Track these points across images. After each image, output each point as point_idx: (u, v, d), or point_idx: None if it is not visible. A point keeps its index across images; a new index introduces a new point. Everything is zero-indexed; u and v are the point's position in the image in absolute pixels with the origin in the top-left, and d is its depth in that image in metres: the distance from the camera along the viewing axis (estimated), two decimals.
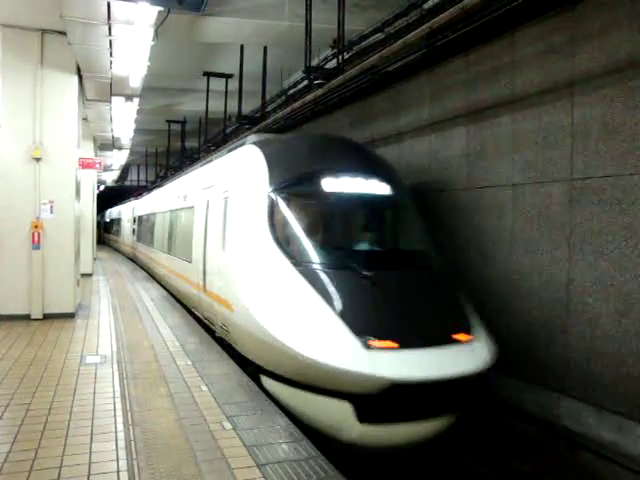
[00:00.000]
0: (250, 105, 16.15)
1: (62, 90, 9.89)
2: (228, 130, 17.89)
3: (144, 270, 19.37)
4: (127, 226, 26.52)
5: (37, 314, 9.59)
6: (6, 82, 9.60)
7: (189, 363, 6.86)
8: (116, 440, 4.46)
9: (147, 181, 35.81)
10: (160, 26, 7.92)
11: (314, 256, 6.09)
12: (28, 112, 9.65)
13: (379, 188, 6.93)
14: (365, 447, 5.31)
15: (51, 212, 9.78)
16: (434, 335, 5.45)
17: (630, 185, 5.54)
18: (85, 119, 14.40)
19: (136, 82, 10.93)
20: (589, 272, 5.99)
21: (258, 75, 13.74)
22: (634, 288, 5.49)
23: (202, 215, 9.28)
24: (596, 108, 5.94)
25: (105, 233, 43.77)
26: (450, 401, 5.46)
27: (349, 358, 5.02)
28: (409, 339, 5.23)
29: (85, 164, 12.49)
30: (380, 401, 5.04)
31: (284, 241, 6.24)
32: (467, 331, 5.64)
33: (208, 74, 15.83)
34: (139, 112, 14.80)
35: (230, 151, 9.24)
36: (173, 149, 26.33)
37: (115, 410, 5.15)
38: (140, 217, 21.52)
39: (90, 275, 17.29)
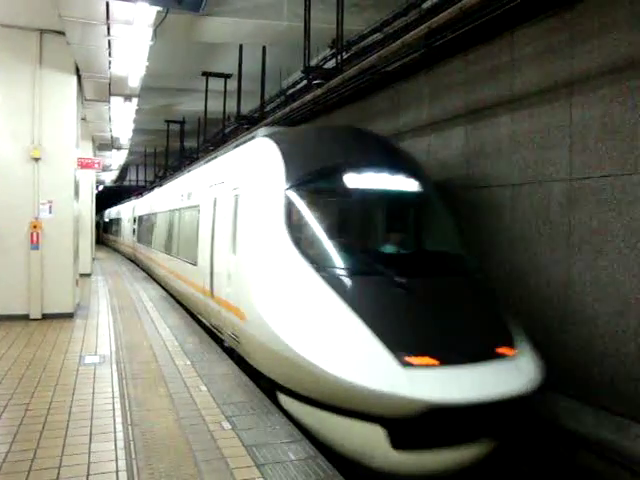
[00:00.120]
0: (249, 105, 16.15)
1: (61, 90, 9.88)
2: (227, 130, 17.89)
3: (145, 272, 19.01)
4: (127, 226, 26.10)
5: (36, 314, 9.59)
6: (4, 82, 9.60)
7: (188, 363, 6.86)
8: (115, 440, 4.45)
9: (146, 181, 35.78)
10: (159, 26, 7.91)
11: (338, 260, 5.48)
12: (27, 112, 9.65)
13: (406, 184, 6.32)
14: (397, 475, 4.67)
15: (50, 212, 9.77)
16: (476, 349, 4.83)
17: None
18: (84, 119, 14.40)
19: (135, 82, 10.92)
20: None
21: (257, 75, 13.74)
22: None
23: (208, 214, 8.70)
24: None
25: (104, 233, 43.64)
26: (492, 425, 4.82)
27: (383, 377, 4.42)
28: (450, 355, 4.64)
29: (84, 164, 12.48)
30: (416, 425, 4.45)
31: (304, 243, 5.63)
32: (510, 344, 5.03)
33: (207, 74, 15.83)
34: (138, 112, 14.78)
35: (238, 146, 8.66)
36: (172, 149, 26.32)
37: (114, 410, 5.15)
38: (141, 217, 20.96)
39: (89, 275, 17.28)
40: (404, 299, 5.08)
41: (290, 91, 14.02)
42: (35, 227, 9.62)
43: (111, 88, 11.46)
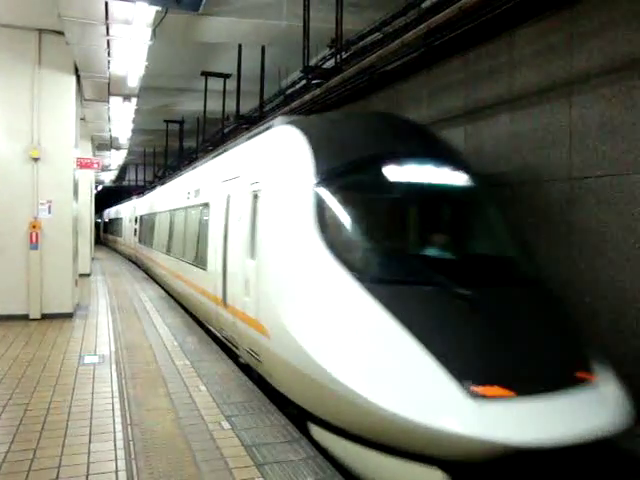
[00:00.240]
0: (248, 105, 16.14)
1: (60, 90, 9.89)
2: (226, 130, 17.87)
3: (146, 273, 18.63)
4: (128, 226, 25.48)
5: (35, 314, 9.59)
6: (3, 82, 9.60)
7: (187, 363, 6.85)
8: (115, 440, 4.45)
9: (145, 181, 35.76)
10: (158, 26, 7.91)
11: (384, 267, 4.74)
12: (26, 112, 9.65)
13: (455, 177, 5.52)
14: None
15: (49, 212, 9.78)
16: (555, 375, 4.02)
17: None
18: (83, 119, 14.39)
19: (134, 82, 10.92)
20: None
21: (256, 75, 13.73)
22: None
23: (220, 213, 7.84)
24: None
25: (105, 233, 43.39)
26: (579, 468, 3.79)
27: (448, 413, 3.64)
28: (526, 383, 3.82)
29: (83, 164, 12.45)
30: (487, 471, 3.60)
31: (341, 248, 4.76)
32: (588, 367, 4.22)
33: (206, 74, 15.81)
34: (137, 112, 14.77)
35: (250, 138, 7.87)
36: (171, 149, 26.31)
37: (113, 410, 5.15)
38: (143, 216, 20.24)
39: (88, 275, 17.28)
40: (467, 314, 4.25)
41: (289, 91, 14.01)
42: (34, 227, 9.62)
43: (110, 88, 11.45)
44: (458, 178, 5.55)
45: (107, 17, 7.48)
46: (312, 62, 10.74)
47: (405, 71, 8.94)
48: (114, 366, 6.68)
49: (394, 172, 5.22)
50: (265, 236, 5.77)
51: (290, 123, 6.26)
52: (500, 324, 4.30)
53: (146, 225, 19.10)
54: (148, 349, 7.58)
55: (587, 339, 4.64)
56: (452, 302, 4.30)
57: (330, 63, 10.66)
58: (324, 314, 4.57)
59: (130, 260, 24.71)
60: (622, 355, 5.52)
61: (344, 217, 5.06)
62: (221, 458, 4.14)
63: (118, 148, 22.03)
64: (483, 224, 5.81)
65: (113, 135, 18.35)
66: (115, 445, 4.35)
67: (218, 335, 7.95)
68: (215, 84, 16.09)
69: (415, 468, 3.77)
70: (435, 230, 5.40)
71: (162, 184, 19.89)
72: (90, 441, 4.43)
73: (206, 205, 9.07)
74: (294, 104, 11.30)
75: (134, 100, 12.87)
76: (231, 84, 15.56)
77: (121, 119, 15.19)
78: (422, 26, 6.96)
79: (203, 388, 5.84)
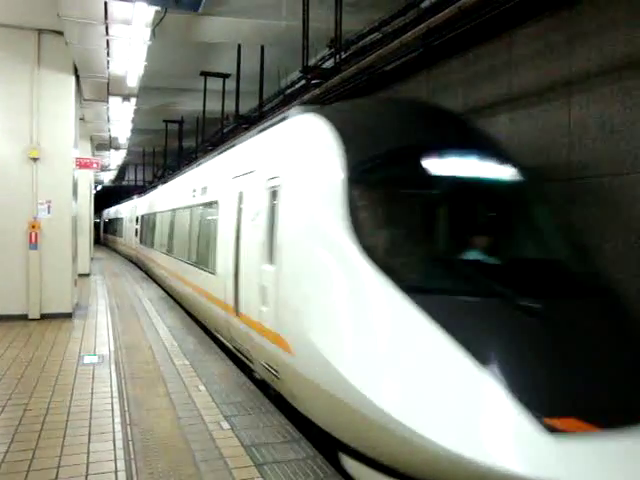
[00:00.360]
0: (247, 105, 16.12)
1: (59, 90, 9.90)
2: (226, 130, 17.87)
3: (148, 275, 18.22)
4: (129, 226, 24.78)
5: (34, 314, 9.59)
6: (3, 82, 9.61)
7: (187, 363, 6.85)
8: (114, 440, 4.45)
9: (144, 181, 35.75)
10: (157, 26, 7.91)
11: (434, 275, 4.10)
12: (25, 112, 9.66)
13: (506, 171, 4.86)
14: None
15: (48, 212, 9.78)
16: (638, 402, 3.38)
17: None
18: (82, 119, 14.39)
19: (133, 82, 10.91)
20: None
21: (255, 75, 13.72)
22: None
23: (231, 212, 7.19)
24: None
25: (105, 234, 43.13)
26: None
27: (519, 452, 3.02)
28: (613, 414, 3.19)
29: (82, 164, 12.44)
30: None
31: (380, 252, 4.12)
32: None
33: (205, 74, 15.80)
34: (136, 112, 14.77)
35: (262, 131, 7.25)
36: (170, 149, 26.29)
37: (113, 410, 5.15)
38: (145, 216, 19.53)
39: (88, 275, 17.27)
40: (535, 332, 3.58)
41: (289, 91, 14.01)
42: (33, 227, 9.62)
43: (109, 88, 11.45)
44: (508, 172, 4.86)
45: (106, 17, 7.48)
46: (311, 62, 10.74)
47: (404, 71, 8.94)
48: (113, 366, 6.68)
49: (436, 165, 4.55)
50: (287, 239, 5.06)
51: (314, 112, 5.54)
52: (573, 343, 3.63)
53: (147, 225, 18.56)
54: (147, 349, 7.58)
55: None
56: (517, 317, 3.60)
57: (329, 63, 10.67)
58: (361, 330, 3.89)
59: (131, 261, 24.35)
60: None
61: (382, 216, 4.43)
62: (220, 458, 4.14)
63: (117, 148, 22.02)
64: (542, 224, 4.99)
65: (112, 135, 18.34)
66: (114, 445, 4.35)
67: (229, 346, 7.30)
68: (214, 84, 16.09)
69: None
70: (488, 231, 4.58)
71: (165, 182, 19.06)
72: (89, 441, 4.43)
73: (214, 203, 8.40)
74: (294, 104, 11.29)
75: (133, 100, 12.87)
76: (230, 84, 15.56)
77: (120, 119, 15.18)
78: (421, 26, 6.96)
79: (202, 388, 5.84)
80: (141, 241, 20.09)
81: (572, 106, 6.19)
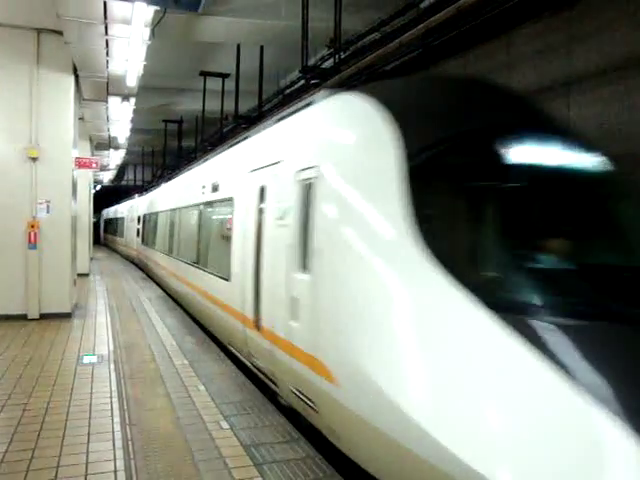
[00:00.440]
0: (247, 105, 16.14)
1: (58, 90, 9.89)
2: (225, 130, 17.87)
3: (149, 276, 17.73)
4: (131, 226, 24.02)
5: (34, 314, 9.58)
6: (2, 82, 9.59)
7: (186, 363, 6.85)
8: (113, 440, 4.45)
9: (143, 181, 35.77)
10: (157, 25, 7.91)
11: (530, 290, 3.21)
12: (24, 112, 9.65)
13: (596, 162, 4.08)
14: None
15: (47, 212, 9.77)
16: None
17: None
18: (81, 119, 14.37)
19: (132, 82, 10.91)
20: None
21: (255, 75, 13.74)
22: None
23: (249, 210, 6.38)
24: None
25: (105, 234, 42.79)
26: None
27: None
28: None
29: (81, 164, 12.43)
30: None
31: (455, 261, 3.31)
32: None
33: (205, 74, 15.83)
34: (135, 112, 14.77)
35: (281, 120, 6.51)
36: (170, 149, 26.31)
37: (112, 410, 5.14)
38: (148, 215, 18.64)
39: (87, 275, 17.27)
40: None
41: (288, 91, 14.02)
42: (33, 227, 9.62)
43: (109, 88, 11.45)
44: (600, 162, 4.09)
45: (106, 17, 7.48)
46: (311, 62, 10.75)
47: (403, 71, 8.94)
48: (113, 366, 6.68)
49: (519, 152, 3.76)
50: (328, 241, 4.19)
51: (358, 91, 4.71)
52: None
53: (150, 225, 17.83)
54: (147, 349, 7.58)
55: None
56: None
57: (329, 63, 10.67)
58: (437, 362, 3.07)
59: (133, 263, 23.47)
60: None
61: (458, 216, 3.62)
62: (220, 458, 4.14)
63: (117, 148, 22.01)
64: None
65: (112, 135, 18.34)
66: (114, 445, 4.35)
67: (247, 363, 6.45)
68: (214, 84, 16.10)
69: None
70: (590, 234, 3.75)
71: (168, 180, 18.19)
72: (89, 441, 4.43)
73: (227, 201, 7.54)
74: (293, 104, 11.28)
75: (133, 100, 12.87)
76: (230, 84, 15.57)
77: (120, 119, 15.17)
78: (420, 26, 6.98)
79: (202, 388, 5.84)
80: (143, 242, 19.61)
81: (571, 107, 6.21)
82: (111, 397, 5.51)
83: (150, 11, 7.37)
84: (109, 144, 20.49)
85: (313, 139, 5.07)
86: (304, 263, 4.54)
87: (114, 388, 5.80)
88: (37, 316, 9.60)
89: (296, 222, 4.79)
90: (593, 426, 2.53)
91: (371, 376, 3.38)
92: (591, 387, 2.59)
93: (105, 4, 7.16)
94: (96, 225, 35.96)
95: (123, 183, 40.25)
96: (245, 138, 8.23)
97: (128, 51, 8.89)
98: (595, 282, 3.32)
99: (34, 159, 9.66)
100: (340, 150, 4.48)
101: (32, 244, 9.61)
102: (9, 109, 9.64)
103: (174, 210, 13.04)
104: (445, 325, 3.12)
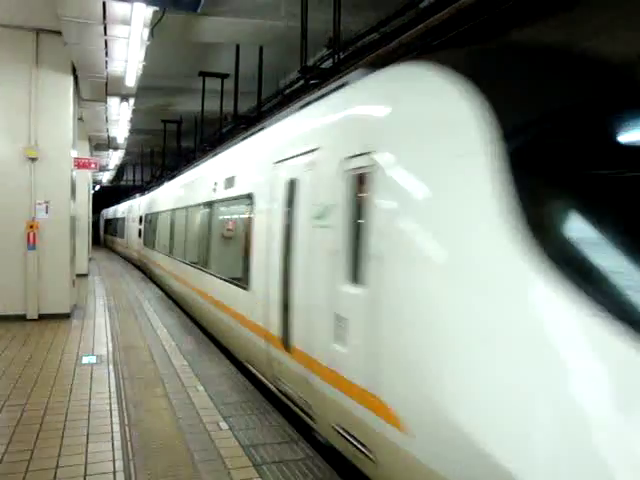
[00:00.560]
0: (246, 105, 16.14)
1: (57, 90, 9.89)
2: (224, 130, 17.88)
3: (151, 279, 17.15)
4: (132, 226, 23.22)
5: (33, 314, 9.58)
6: (1, 82, 9.59)
7: (185, 363, 6.85)
8: (112, 440, 4.45)
9: (143, 181, 35.74)
10: (156, 26, 7.90)
11: None
12: (23, 112, 9.65)
13: None
14: None
15: (46, 212, 9.77)
16: None
17: None
18: (80, 119, 14.38)
19: (131, 82, 10.90)
20: None
21: (254, 75, 13.74)
22: None
23: (273, 208, 5.57)
24: None
25: (105, 234, 42.55)
26: None
27: None
28: None
29: (80, 164, 12.43)
30: None
31: (590, 280, 2.39)
32: None
33: (204, 74, 15.82)
34: (135, 112, 14.78)
35: (303, 107, 5.90)
36: (169, 149, 26.30)
37: (111, 410, 5.14)
38: (151, 215, 17.78)
39: (86, 276, 17.26)
40: None
41: (287, 91, 14.02)
42: (32, 227, 9.61)
43: (108, 88, 11.44)
44: None
45: (105, 17, 7.47)
46: (310, 62, 10.75)
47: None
48: (112, 366, 6.68)
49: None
50: (394, 248, 3.35)
51: (423, 61, 3.82)
52: None
53: (152, 226, 17.14)
54: (146, 349, 7.58)
55: None
56: None
57: (328, 63, 10.67)
58: (562, 408, 2.28)
59: (134, 265, 22.82)
60: None
61: (580, 218, 2.67)
62: (219, 458, 4.14)
63: (116, 148, 22.01)
64: None
65: (111, 135, 18.34)
66: (113, 446, 4.35)
67: (270, 387, 5.68)
68: (213, 84, 16.10)
69: None
70: None
71: (171, 178, 17.14)
72: (88, 441, 4.43)
73: (245, 198, 6.71)
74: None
75: (132, 100, 12.87)
76: (229, 84, 15.57)
77: (119, 119, 15.17)
78: (420, 26, 6.97)
79: (201, 388, 5.84)
80: (145, 243, 18.95)
81: None
82: (110, 398, 5.51)
83: (149, 11, 7.36)
84: (108, 144, 20.49)
85: (365, 120, 4.07)
86: (355, 273, 3.75)
87: (113, 389, 5.80)
88: (36, 317, 9.59)
89: (342, 222, 3.98)
90: None
91: (462, 428, 2.61)
92: None
93: (104, 4, 7.16)
94: (95, 225, 35.92)
95: (122, 183, 40.25)
96: (261, 129, 7.46)
97: (127, 51, 8.89)
98: None
99: (33, 159, 9.66)
100: (406, 132, 3.55)
101: (31, 245, 9.61)
102: (8, 109, 9.64)
103: (180, 209, 12.12)
104: (585, 366, 2.27)
